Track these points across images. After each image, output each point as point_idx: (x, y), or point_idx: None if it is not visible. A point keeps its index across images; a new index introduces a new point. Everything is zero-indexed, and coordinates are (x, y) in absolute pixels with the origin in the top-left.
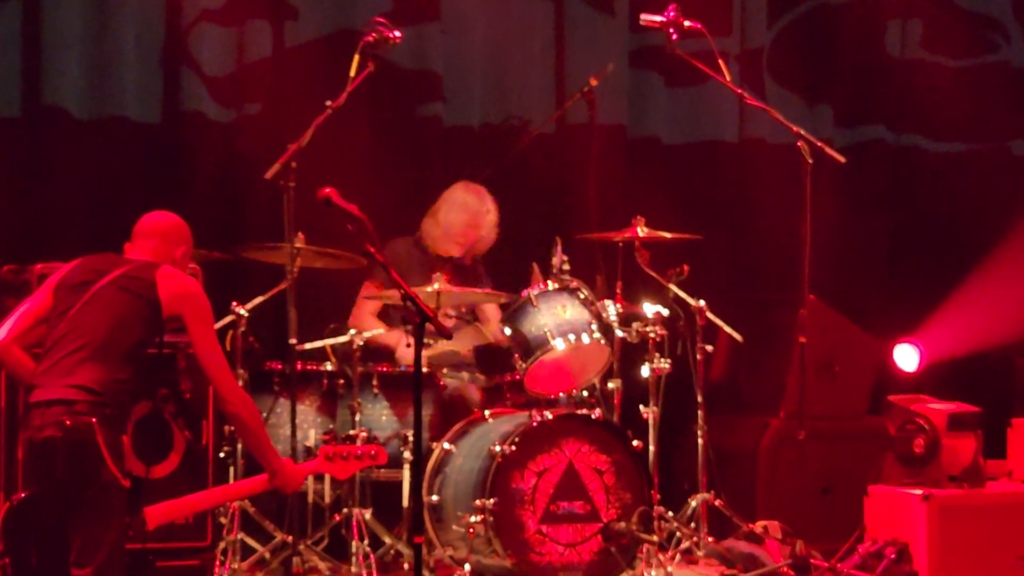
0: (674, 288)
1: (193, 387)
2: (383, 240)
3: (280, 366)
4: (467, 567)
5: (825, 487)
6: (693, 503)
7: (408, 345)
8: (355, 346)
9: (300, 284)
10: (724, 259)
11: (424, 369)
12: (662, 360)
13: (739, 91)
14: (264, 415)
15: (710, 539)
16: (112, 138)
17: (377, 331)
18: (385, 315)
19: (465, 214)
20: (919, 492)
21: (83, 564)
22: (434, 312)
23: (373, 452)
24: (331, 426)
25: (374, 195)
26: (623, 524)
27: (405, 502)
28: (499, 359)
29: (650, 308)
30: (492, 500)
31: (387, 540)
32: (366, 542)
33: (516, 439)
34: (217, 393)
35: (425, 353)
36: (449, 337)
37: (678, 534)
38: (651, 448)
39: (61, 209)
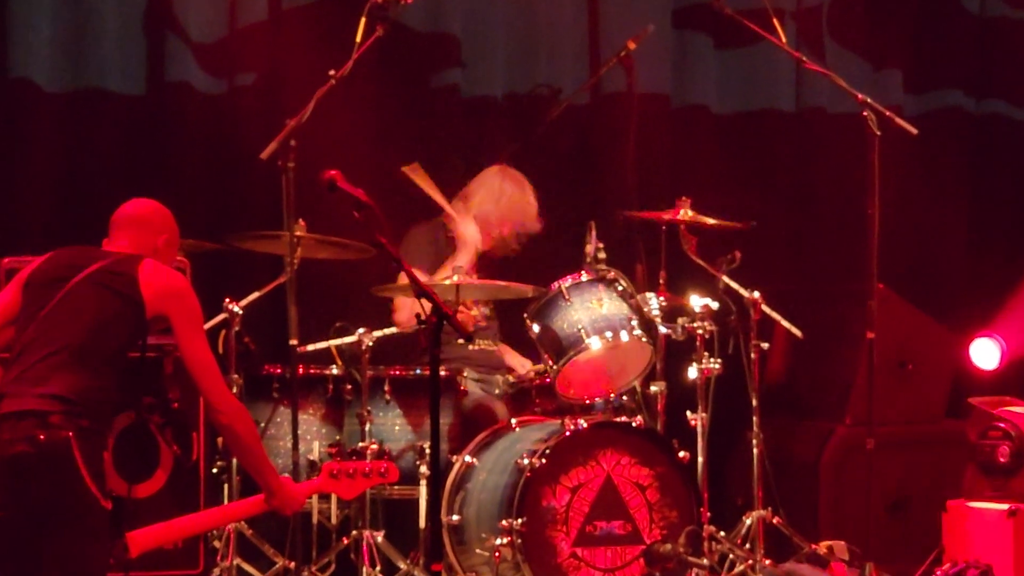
0: (725, 278)
1: (181, 395)
2: (402, 228)
3: (279, 370)
4: None
5: (897, 502)
6: (748, 521)
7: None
8: (364, 347)
9: (301, 278)
10: (781, 244)
11: (443, 372)
12: (712, 360)
13: (796, 54)
14: (261, 426)
15: (767, 562)
16: (88, 114)
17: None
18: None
19: (504, 205)
20: (1004, 507)
21: None
22: (453, 309)
23: (383, 469)
24: (337, 437)
25: (384, 176)
26: (669, 546)
27: (422, 523)
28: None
29: (698, 301)
30: (520, 520)
31: (402, 566)
32: (378, 568)
33: (547, 451)
34: (207, 402)
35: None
36: (470, 338)
37: (731, 556)
38: (700, 459)
39: (31, 195)
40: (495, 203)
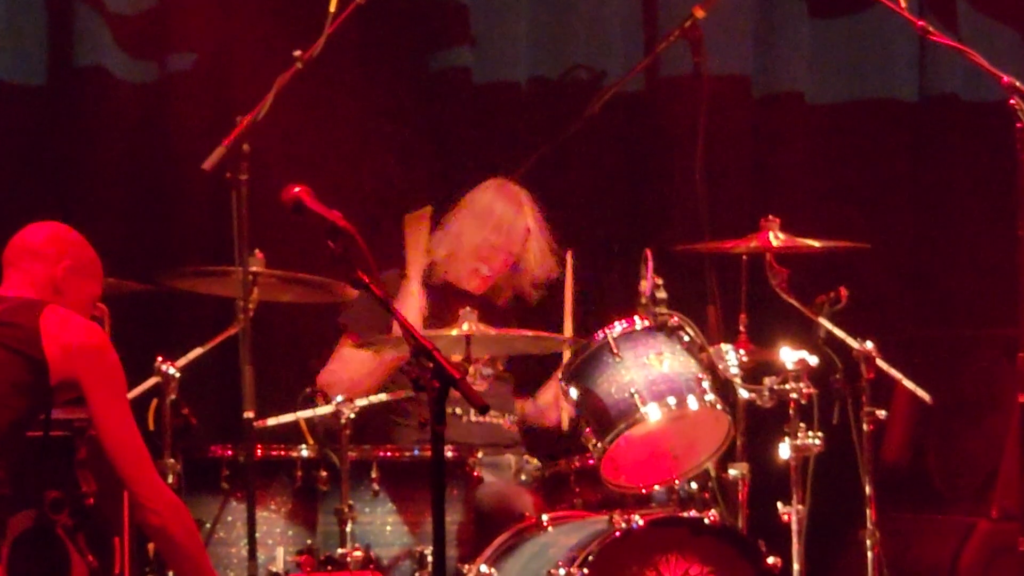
0: (827, 323)
1: (99, 488)
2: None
3: (230, 452)
4: None
5: None
6: None
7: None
8: (343, 420)
9: (258, 328)
10: (902, 278)
11: (449, 453)
12: (810, 434)
13: (920, 22)
14: (206, 527)
15: None
16: None
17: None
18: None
19: (489, 228)
20: None
21: None
22: (463, 372)
23: None
24: (309, 542)
25: (369, 193)
26: None
27: None
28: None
29: (790, 355)
30: None
31: None
32: None
33: (589, 557)
34: (133, 496)
35: None
36: (484, 409)
37: None
38: (796, 567)
39: None
40: (482, 226)
